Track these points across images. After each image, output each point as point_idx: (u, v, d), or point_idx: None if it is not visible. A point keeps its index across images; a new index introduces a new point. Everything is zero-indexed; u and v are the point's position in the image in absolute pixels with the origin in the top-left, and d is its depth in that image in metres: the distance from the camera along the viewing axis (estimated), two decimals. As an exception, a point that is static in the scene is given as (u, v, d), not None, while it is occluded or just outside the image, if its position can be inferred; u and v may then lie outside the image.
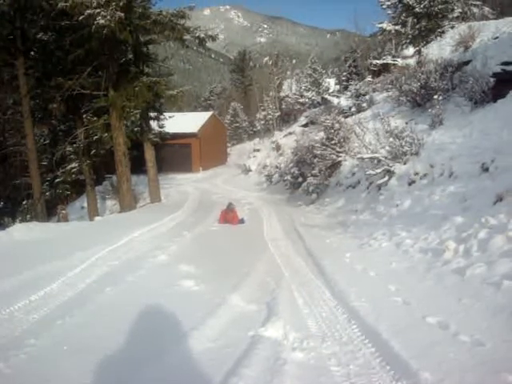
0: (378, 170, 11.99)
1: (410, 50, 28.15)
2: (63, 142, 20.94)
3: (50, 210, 22.06)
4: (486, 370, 3.38)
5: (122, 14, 14.93)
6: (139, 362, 3.87)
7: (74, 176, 22.09)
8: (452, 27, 27.04)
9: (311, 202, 17.39)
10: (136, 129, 22.26)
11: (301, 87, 51.05)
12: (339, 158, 17.09)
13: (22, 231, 10.71)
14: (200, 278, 6.68)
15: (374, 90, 27.16)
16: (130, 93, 17.25)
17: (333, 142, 17.29)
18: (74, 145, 20.64)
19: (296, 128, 36.36)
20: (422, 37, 28.69)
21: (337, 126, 17.68)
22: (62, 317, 4.88)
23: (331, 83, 50.00)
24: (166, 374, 3.69)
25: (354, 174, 15.66)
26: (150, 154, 20.73)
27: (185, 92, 20.32)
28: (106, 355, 3.98)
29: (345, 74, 41.51)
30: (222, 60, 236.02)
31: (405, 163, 11.53)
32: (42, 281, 6.14)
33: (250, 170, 34.19)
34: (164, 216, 13.92)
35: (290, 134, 35.35)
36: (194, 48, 21.36)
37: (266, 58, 54.24)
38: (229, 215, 13.55)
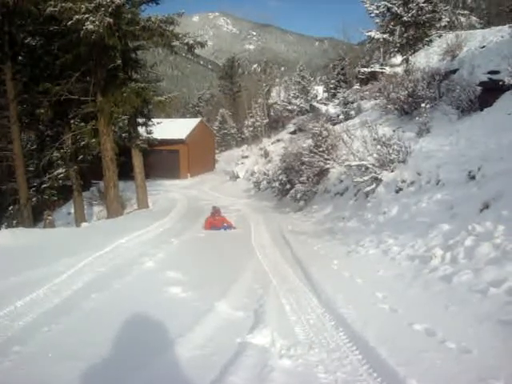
0: (366, 178, 12.01)
1: (398, 59, 28.36)
2: (50, 148, 20.72)
3: (37, 216, 21.86)
4: (472, 377, 3.39)
5: (111, 20, 14.91)
6: (126, 370, 3.83)
7: (60, 182, 21.92)
8: (439, 36, 27.29)
9: (299, 209, 17.43)
10: (124, 135, 22.19)
11: (289, 94, 51.37)
12: (327, 166, 17.13)
13: (7, 237, 10.59)
14: (187, 284, 6.64)
15: (362, 98, 27.36)
16: (118, 98, 17.22)
17: (321, 149, 17.32)
18: (62, 150, 20.50)
19: (284, 135, 36.59)
20: (410, 45, 28.91)
21: (325, 133, 17.73)
22: (47, 324, 4.82)
23: (319, 91, 50.38)
24: (153, 381, 3.66)
25: (341, 181, 15.71)
26: (137, 160, 20.63)
27: (173, 98, 20.27)
28: (92, 362, 3.94)
29: (333, 81, 41.78)
30: (210, 67, 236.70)
31: (392, 171, 11.58)
32: (28, 287, 6.06)
33: (238, 177, 34.21)
34: (151, 222, 13.81)
35: (278, 140, 35.56)
36: (183, 54, 21.35)
37: (255, 65, 54.72)
38: (216, 220, 13.51)
